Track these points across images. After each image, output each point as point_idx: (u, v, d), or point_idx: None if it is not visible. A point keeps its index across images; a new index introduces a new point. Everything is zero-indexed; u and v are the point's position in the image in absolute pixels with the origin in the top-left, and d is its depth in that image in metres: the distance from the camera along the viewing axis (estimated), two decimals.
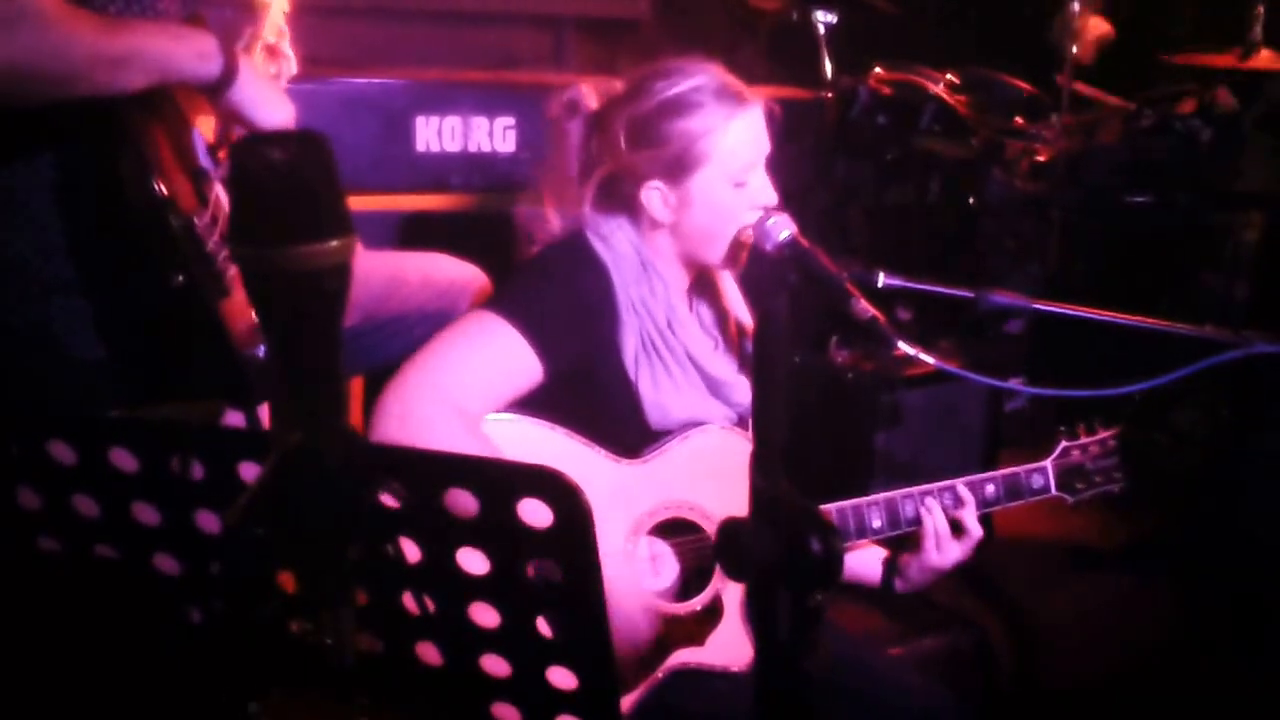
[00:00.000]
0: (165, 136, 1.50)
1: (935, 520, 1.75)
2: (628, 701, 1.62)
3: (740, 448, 1.74)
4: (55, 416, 1.00)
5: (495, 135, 2.69)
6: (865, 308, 1.68)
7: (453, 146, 2.65)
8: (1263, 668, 2.48)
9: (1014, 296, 1.92)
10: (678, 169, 1.67)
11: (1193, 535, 2.82)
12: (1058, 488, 1.86)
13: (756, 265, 1.77)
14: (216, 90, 1.53)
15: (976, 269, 3.44)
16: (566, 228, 1.75)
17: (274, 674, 1.01)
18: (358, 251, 0.78)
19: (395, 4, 3.63)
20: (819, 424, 2.60)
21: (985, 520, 1.82)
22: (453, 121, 2.65)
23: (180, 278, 1.44)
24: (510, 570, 0.90)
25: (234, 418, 1.62)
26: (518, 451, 1.60)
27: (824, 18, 3.27)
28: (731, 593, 1.72)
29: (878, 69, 3.45)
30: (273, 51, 1.74)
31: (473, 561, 0.91)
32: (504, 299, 1.69)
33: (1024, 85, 3.56)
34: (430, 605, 0.94)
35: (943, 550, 1.76)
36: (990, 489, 1.80)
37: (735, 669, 1.69)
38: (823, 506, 1.74)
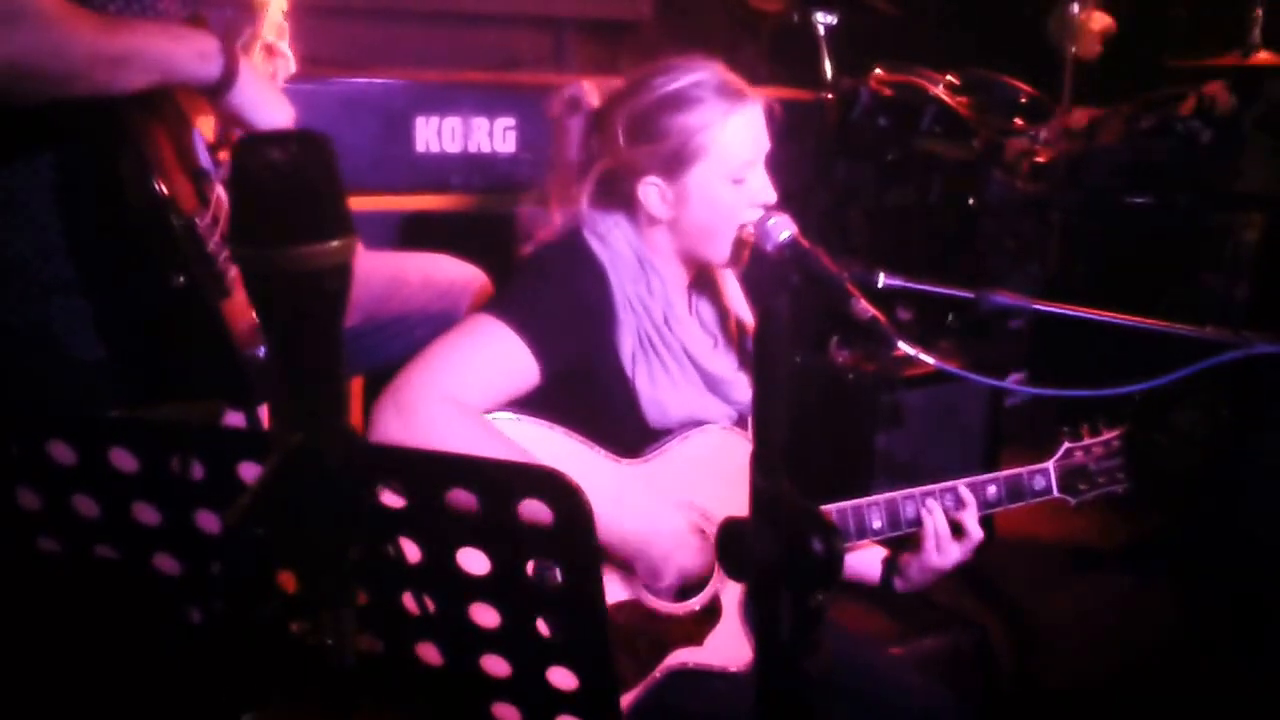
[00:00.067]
0: (166, 136, 1.50)
1: (936, 522, 1.75)
2: (625, 701, 1.62)
3: (740, 448, 1.74)
4: (55, 416, 1.00)
5: (495, 136, 2.69)
6: (866, 308, 1.68)
7: (453, 147, 2.65)
8: (1263, 668, 2.48)
9: (1014, 297, 1.92)
10: (675, 164, 1.67)
11: (1193, 535, 2.82)
12: (1060, 489, 1.86)
13: (757, 265, 1.77)
14: (217, 91, 1.53)
15: (977, 270, 3.44)
16: (564, 226, 1.75)
17: (274, 675, 1.01)
18: (358, 252, 0.78)
19: (395, 4, 3.62)
20: (819, 424, 2.60)
21: (986, 520, 1.82)
22: (453, 122, 2.65)
23: (181, 278, 1.44)
24: (510, 570, 0.90)
25: (234, 418, 1.62)
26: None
27: (824, 19, 3.27)
28: (730, 593, 1.72)
29: (878, 70, 3.45)
30: (271, 51, 1.74)
31: (473, 561, 0.91)
32: (501, 301, 1.69)
33: (1024, 86, 3.56)
34: (430, 605, 0.94)
35: (943, 551, 1.76)
36: (992, 490, 1.80)
37: (733, 669, 1.69)
38: (823, 507, 1.74)
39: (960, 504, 1.77)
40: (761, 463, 0.88)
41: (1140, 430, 1.93)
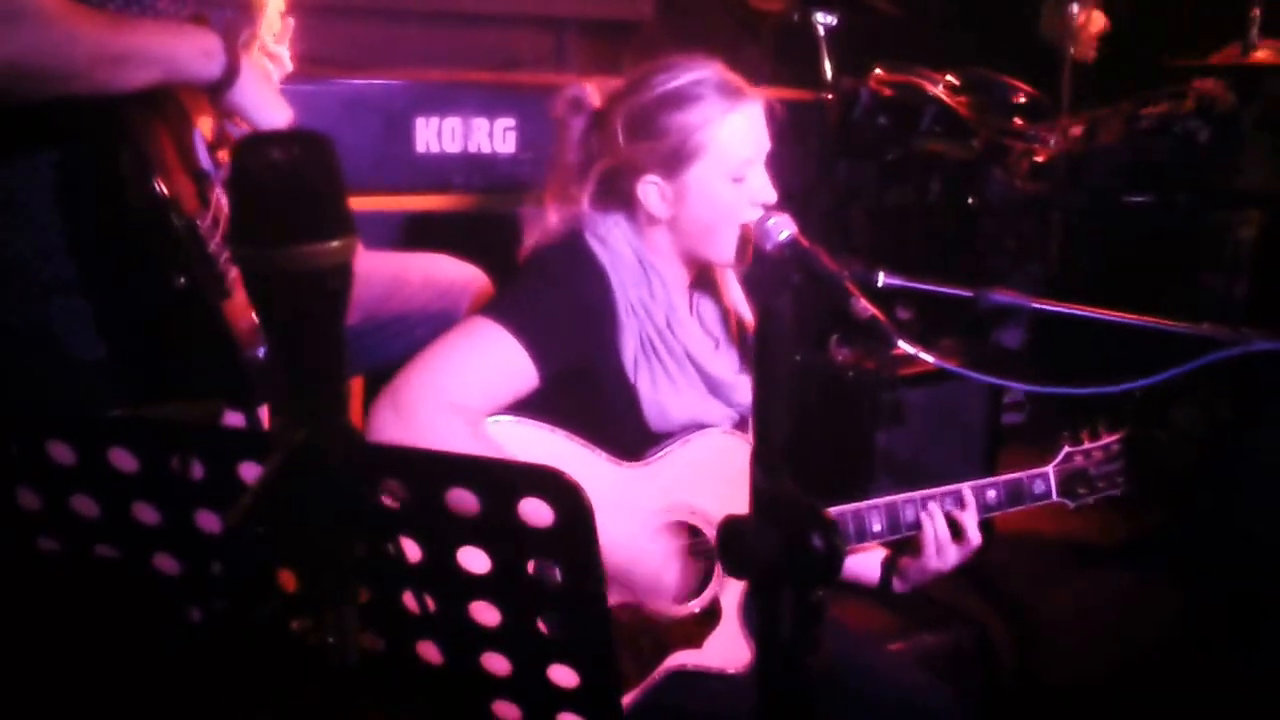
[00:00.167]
0: (168, 136, 1.50)
1: (936, 526, 1.75)
2: (624, 702, 1.63)
3: (741, 451, 1.74)
4: (55, 416, 1.00)
5: (496, 136, 2.69)
6: (866, 307, 1.68)
7: (453, 147, 2.66)
8: (1260, 664, 2.49)
9: (1014, 295, 1.92)
10: (675, 162, 1.67)
11: (1192, 532, 2.82)
12: (1059, 493, 1.86)
13: (757, 265, 1.77)
14: (219, 89, 1.53)
15: (977, 269, 3.44)
16: (565, 227, 1.75)
17: (274, 675, 1.01)
18: (358, 252, 0.78)
19: (396, 4, 3.63)
20: (819, 423, 2.60)
21: (986, 518, 1.82)
22: (453, 122, 2.65)
23: (182, 279, 1.44)
24: (511, 569, 0.90)
25: (234, 418, 1.62)
26: (517, 454, 1.60)
27: (824, 19, 3.27)
28: (730, 596, 1.72)
29: (878, 70, 3.45)
30: (268, 53, 1.74)
31: (474, 560, 0.91)
32: (500, 304, 1.69)
33: (1024, 86, 3.56)
34: (431, 604, 0.94)
35: (942, 555, 1.76)
36: (991, 494, 1.80)
37: (732, 670, 1.69)
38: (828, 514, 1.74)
39: (960, 508, 1.77)
40: (762, 461, 0.88)
41: (1139, 428, 1.94)
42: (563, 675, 0.94)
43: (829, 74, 3.27)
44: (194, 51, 1.49)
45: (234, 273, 1.49)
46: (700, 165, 1.67)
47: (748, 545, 0.89)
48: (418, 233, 2.57)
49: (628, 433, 1.70)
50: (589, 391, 1.70)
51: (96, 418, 1.18)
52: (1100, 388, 1.77)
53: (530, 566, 0.91)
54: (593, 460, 1.65)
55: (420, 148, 2.63)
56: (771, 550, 0.86)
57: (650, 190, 1.70)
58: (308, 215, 0.75)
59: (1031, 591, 2.64)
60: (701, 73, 1.68)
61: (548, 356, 1.62)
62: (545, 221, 1.77)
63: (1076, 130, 3.32)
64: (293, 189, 0.74)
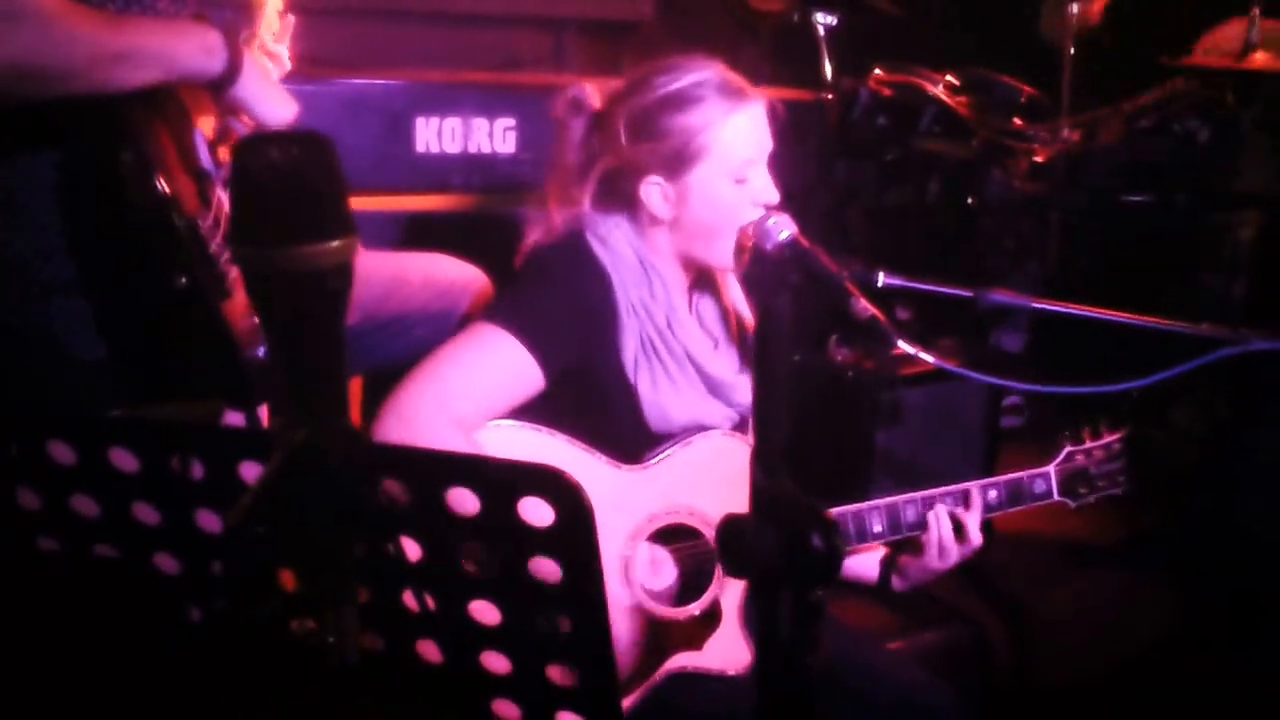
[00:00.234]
0: (169, 136, 1.50)
1: (941, 528, 1.75)
2: (625, 704, 1.63)
3: (742, 453, 1.74)
4: (55, 416, 1.00)
5: (496, 136, 2.69)
6: (865, 307, 1.68)
7: (453, 148, 2.66)
8: (1259, 664, 2.49)
9: (1013, 295, 1.92)
10: (677, 163, 1.67)
11: (1190, 532, 2.82)
12: (1060, 493, 1.86)
13: (757, 265, 1.77)
14: (221, 85, 1.52)
15: (976, 269, 3.44)
16: (565, 228, 1.75)
17: (274, 675, 1.02)
18: (358, 251, 0.79)
19: (395, 4, 3.63)
20: (819, 423, 2.60)
21: (986, 519, 1.82)
22: (453, 122, 2.65)
23: (183, 279, 1.44)
24: (511, 568, 0.90)
25: (234, 418, 1.62)
26: (518, 458, 1.60)
27: (824, 19, 3.27)
28: (730, 598, 1.72)
29: (878, 70, 3.45)
30: (267, 52, 1.74)
31: (474, 561, 0.91)
32: (503, 308, 1.69)
33: (1024, 86, 3.57)
34: (431, 603, 0.94)
35: (944, 555, 1.77)
36: (992, 494, 1.81)
37: (732, 672, 1.70)
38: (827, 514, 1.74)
39: (964, 507, 1.77)
40: (762, 461, 0.88)
41: (1138, 428, 1.94)
42: (562, 675, 0.94)
43: (829, 74, 3.27)
44: (194, 49, 1.49)
45: (235, 273, 1.49)
46: (703, 167, 1.67)
47: (747, 545, 0.89)
48: (418, 233, 2.58)
49: (628, 434, 1.71)
50: (591, 392, 1.70)
51: (96, 418, 1.18)
52: (1099, 387, 1.77)
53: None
54: (592, 463, 1.65)
55: (420, 148, 2.63)
56: (771, 550, 0.86)
57: (653, 191, 1.70)
58: (308, 215, 0.75)
59: (1029, 591, 2.64)
60: (703, 74, 1.68)
61: (552, 357, 1.62)
62: (547, 222, 1.77)
63: (1072, 132, 3.33)
64: (293, 189, 0.74)
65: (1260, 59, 3.20)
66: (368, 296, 1.92)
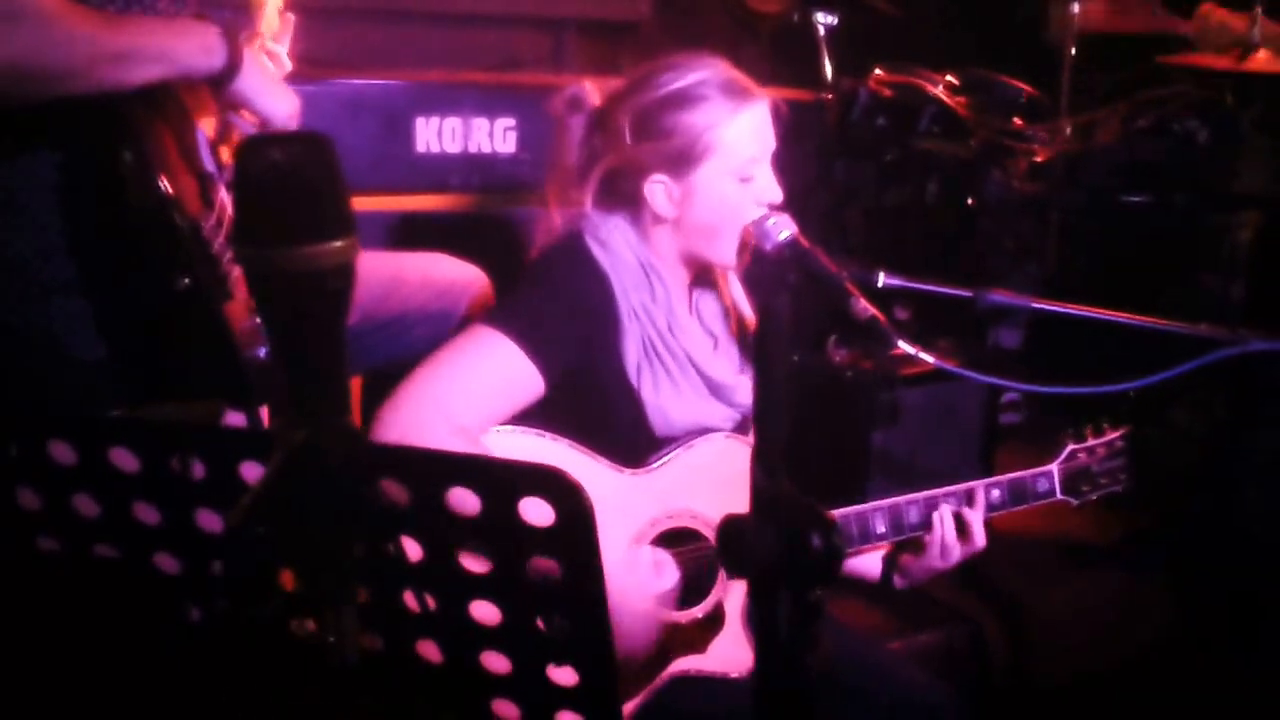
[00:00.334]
0: (170, 136, 1.50)
1: (945, 529, 1.75)
2: (628, 708, 1.63)
3: (743, 455, 1.73)
4: (55, 416, 1.00)
5: (495, 136, 2.69)
6: (865, 307, 1.69)
7: (453, 147, 2.66)
8: (1258, 664, 2.49)
9: (1013, 295, 1.92)
10: (682, 162, 1.67)
11: (1189, 532, 2.83)
12: (1063, 491, 1.86)
13: (757, 265, 1.77)
14: (222, 82, 1.52)
15: (975, 269, 3.44)
16: (565, 229, 1.75)
17: (274, 675, 1.02)
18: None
19: (395, 4, 3.63)
20: (817, 423, 2.60)
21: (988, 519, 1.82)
22: (453, 122, 2.65)
23: (185, 280, 1.44)
24: (511, 568, 0.91)
25: (234, 418, 1.62)
26: None
27: (824, 19, 3.27)
28: (733, 601, 1.72)
29: (878, 71, 3.45)
30: (267, 51, 1.74)
31: (474, 560, 0.91)
32: (503, 312, 1.69)
33: (1023, 86, 3.57)
34: (431, 603, 0.94)
35: (946, 555, 1.76)
36: (995, 494, 1.80)
37: (735, 675, 1.69)
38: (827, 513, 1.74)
39: (965, 508, 1.77)
40: (762, 460, 0.88)
41: (1138, 427, 1.94)
42: (562, 675, 0.94)
43: (828, 74, 3.27)
44: (194, 46, 1.49)
45: (236, 273, 1.49)
46: (708, 166, 1.67)
47: (747, 545, 0.89)
48: (417, 233, 2.58)
49: (630, 438, 1.70)
50: (592, 395, 1.69)
51: (97, 418, 1.18)
52: (1098, 387, 1.77)
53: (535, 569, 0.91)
54: (595, 468, 1.65)
55: (420, 148, 2.63)
56: (771, 550, 0.87)
57: (656, 190, 1.70)
58: (309, 216, 0.76)
59: (1027, 591, 2.64)
60: (706, 72, 1.68)
61: (553, 365, 1.62)
62: (548, 223, 1.77)
63: (1068, 132, 3.33)
64: (294, 190, 0.75)
65: (1260, 59, 3.20)
66: (366, 297, 1.92)
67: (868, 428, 2.57)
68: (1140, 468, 1.91)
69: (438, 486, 0.89)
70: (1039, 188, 3.32)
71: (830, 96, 3.26)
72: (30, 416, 0.99)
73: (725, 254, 1.73)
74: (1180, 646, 2.59)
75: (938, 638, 2.47)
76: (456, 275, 2.06)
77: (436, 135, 2.63)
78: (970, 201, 3.40)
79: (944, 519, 1.75)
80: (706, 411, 1.76)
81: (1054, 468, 1.85)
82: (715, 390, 1.77)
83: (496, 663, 0.96)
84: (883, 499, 1.76)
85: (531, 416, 1.64)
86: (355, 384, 2.09)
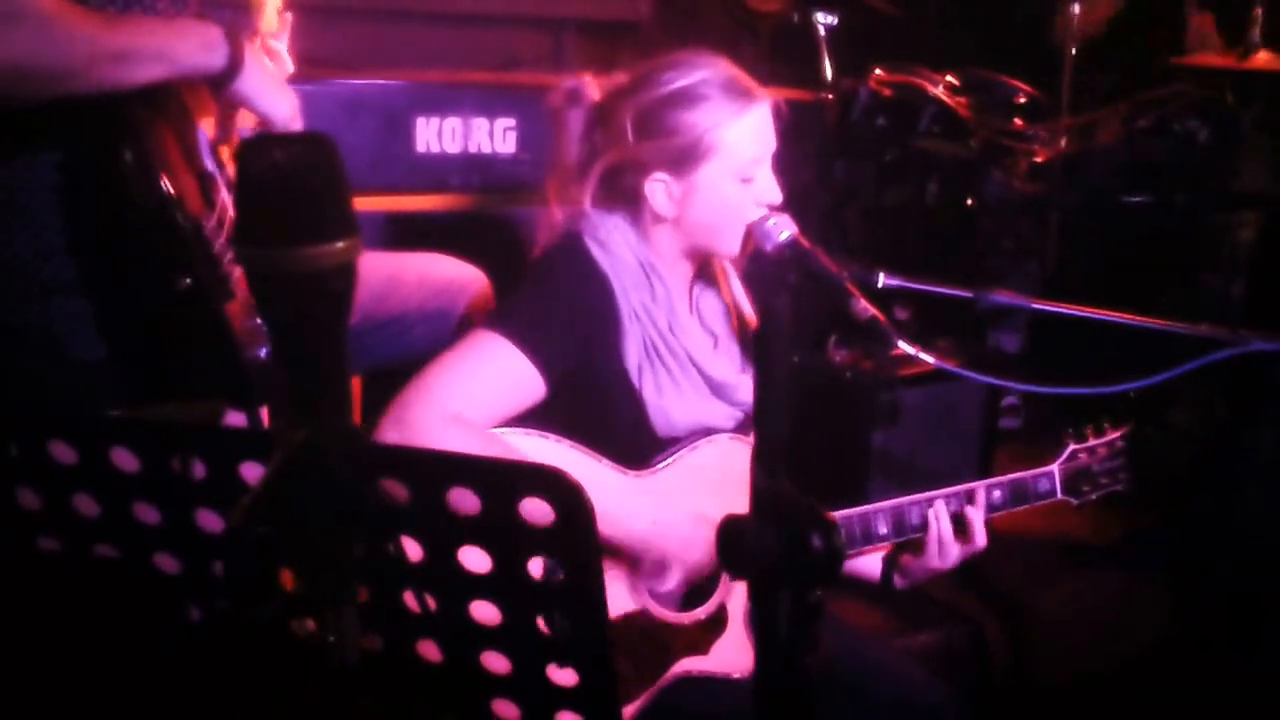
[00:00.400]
0: (172, 136, 1.50)
1: (941, 528, 1.75)
2: (630, 709, 1.63)
3: (746, 456, 1.73)
4: (55, 416, 1.00)
5: (495, 136, 2.69)
6: (865, 307, 1.69)
7: (453, 147, 2.66)
8: (1258, 664, 2.49)
9: (1013, 296, 1.92)
10: (683, 161, 1.67)
11: (1189, 532, 2.83)
12: (1064, 491, 1.86)
13: (758, 265, 1.77)
14: (223, 81, 1.52)
15: (975, 269, 3.44)
16: (564, 229, 1.75)
17: (274, 675, 1.02)
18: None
19: (395, 5, 3.63)
20: (817, 423, 2.61)
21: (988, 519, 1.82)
22: (453, 122, 2.65)
23: (187, 280, 1.44)
24: (512, 568, 0.91)
25: (235, 418, 1.62)
26: None
27: (824, 19, 3.27)
28: (736, 602, 1.72)
29: (878, 70, 3.45)
30: (268, 50, 1.74)
31: (474, 559, 0.91)
32: (503, 315, 1.68)
33: (1024, 86, 3.57)
34: (431, 603, 0.94)
35: (944, 554, 1.76)
36: (996, 494, 1.80)
37: (737, 676, 1.69)
38: (830, 515, 1.74)
39: (966, 508, 1.77)
40: (763, 460, 0.88)
41: (1138, 428, 1.94)
42: (562, 675, 0.94)
43: (828, 74, 3.27)
44: (195, 45, 1.49)
45: (237, 273, 1.49)
46: (709, 165, 1.67)
47: (747, 545, 0.89)
48: (417, 233, 2.57)
49: (633, 439, 1.70)
50: (594, 397, 1.69)
51: (97, 418, 1.18)
52: (1098, 388, 1.77)
53: (535, 567, 0.91)
54: (598, 469, 1.65)
55: (420, 148, 2.63)
56: (771, 550, 0.87)
57: (658, 189, 1.69)
58: (310, 216, 0.75)
59: (1026, 590, 2.64)
60: (708, 71, 1.68)
61: (554, 367, 1.62)
62: (549, 221, 1.77)
63: (1067, 132, 3.33)
64: (295, 190, 0.75)
65: (1260, 59, 3.21)
66: (365, 296, 1.91)
67: (868, 428, 2.57)
68: (1140, 468, 1.91)
69: (438, 486, 0.89)
70: (1039, 188, 3.32)
71: (830, 96, 3.27)
72: (30, 416, 0.99)
73: (729, 245, 1.73)
74: (1180, 646, 2.59)
75: (938, 638, 2.47)
76: (455, 275, 2.06)
77: (436, 135, 2.63)
78: (970, 201, 3.40)
79: (939, 516, 1.75)
80: (708, 411, 1.76)
81: (1055, 468, 1.85)
82: (717, 389, 1.77)
83: (496, 663, 0.96)
84: (884, 500, 1.77)
85: (534, 418, 1.64)
86: (355, 384, 2.09)
